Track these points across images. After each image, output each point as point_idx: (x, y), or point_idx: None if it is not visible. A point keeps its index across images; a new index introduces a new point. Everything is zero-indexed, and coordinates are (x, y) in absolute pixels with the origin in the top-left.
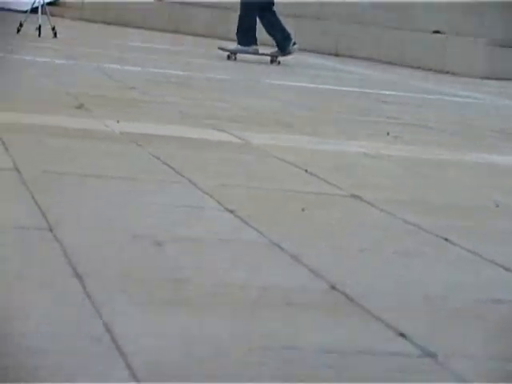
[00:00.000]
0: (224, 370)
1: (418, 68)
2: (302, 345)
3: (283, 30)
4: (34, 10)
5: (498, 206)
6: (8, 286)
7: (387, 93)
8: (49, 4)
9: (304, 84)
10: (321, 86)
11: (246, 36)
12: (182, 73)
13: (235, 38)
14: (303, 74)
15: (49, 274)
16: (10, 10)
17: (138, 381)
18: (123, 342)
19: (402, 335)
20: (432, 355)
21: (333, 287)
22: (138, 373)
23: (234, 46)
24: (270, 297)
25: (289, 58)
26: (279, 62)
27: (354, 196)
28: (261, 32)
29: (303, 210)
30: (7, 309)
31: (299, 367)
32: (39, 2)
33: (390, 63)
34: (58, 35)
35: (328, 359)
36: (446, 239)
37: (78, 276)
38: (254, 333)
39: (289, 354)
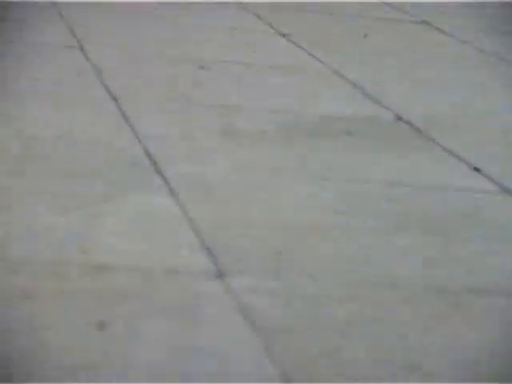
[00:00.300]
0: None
1: None
2: (364, 177)
3: None
4: None
5: None
6: (43, 109)
7: None
8: None
9: None
10: None
11: None
12: None
13: None
14: None
15: (83, 95)
16: None
17: (180, 204)
18: (163, 167)
19: (477, 170)
20: (509, 191)
21: (399, 118)
22: (180, 194)
23: None
24: (330, 126)
25: None
26: None
27: (423, 22)
28: None
29: (365, 35)
30: (49, 128)
31: (360, 200)
32: None
33: None
34: None
35: (392, 193)
36: None
37: (114, 99)
38: (311, 163)
39: (349, 187)
